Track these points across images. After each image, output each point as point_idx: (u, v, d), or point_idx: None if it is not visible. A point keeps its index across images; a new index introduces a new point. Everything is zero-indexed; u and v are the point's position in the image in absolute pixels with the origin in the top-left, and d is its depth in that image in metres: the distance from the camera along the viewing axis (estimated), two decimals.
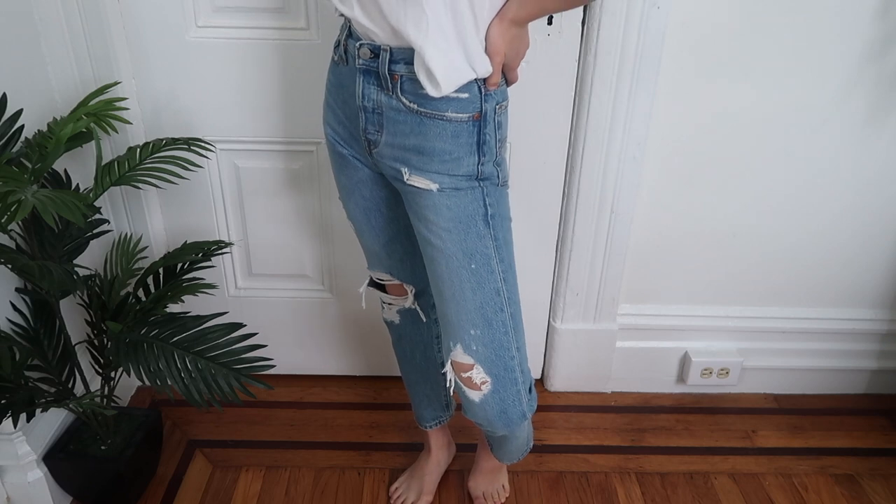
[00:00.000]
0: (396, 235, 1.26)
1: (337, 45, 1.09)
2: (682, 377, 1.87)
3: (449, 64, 0.96)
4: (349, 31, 1.04)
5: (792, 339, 1.83)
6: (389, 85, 1.01)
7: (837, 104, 1.55)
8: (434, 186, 1.05)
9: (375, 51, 0.99)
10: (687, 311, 1.81)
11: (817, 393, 1.90)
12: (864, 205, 1.67)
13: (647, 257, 1.74)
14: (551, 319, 1.82)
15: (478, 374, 1.11)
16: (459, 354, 1.12)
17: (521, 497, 1.57)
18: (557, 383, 1.88)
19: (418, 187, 1.06)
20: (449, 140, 1.02)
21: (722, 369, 1.82)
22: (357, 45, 1.01)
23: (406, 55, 0.98)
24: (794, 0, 1.43)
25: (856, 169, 1.62)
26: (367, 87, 1.03)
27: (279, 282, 1.79)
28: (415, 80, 0.98)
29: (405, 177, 1.07)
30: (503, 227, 1.09)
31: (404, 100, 1.01)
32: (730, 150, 1.60)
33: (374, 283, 1.38)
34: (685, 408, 1.85)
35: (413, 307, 1.36)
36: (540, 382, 1.93)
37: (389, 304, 1.38)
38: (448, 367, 1.15)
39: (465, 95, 0.99)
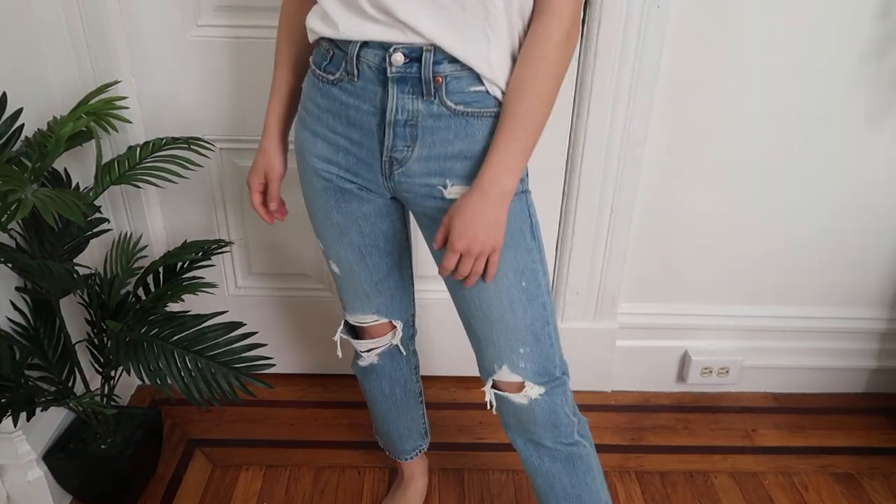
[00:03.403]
0: (390, 271, 1.18)
1: (329, 62, 0.98)
2: (682, 376, 1.87)
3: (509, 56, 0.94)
4: (359, 42, 0.94)
5: (792, 337, 1.83)
6: (432, 89, 0.92)
7: (837, 104, 1.55)
8: None
9: (413, 54, 0.91)
10: (687, 310, 1.81)
11: (817, 392, 1.90)
12: (863, 204, 1.67)
13: (647, 256, 1.74)
14: None
15: (530, 389, 1.07)
16: (506, 374, 1.07)
17: (521, 496, 1.57)
18: None
19: None
20: None
21: (722, 368, 1.82)
22: (389, 51, 0.91)
23: (450, 53, 0.91)
24: (794, 0, 1.44)
25: (856, 168, 1.62)
26: (402, 98, 0.93)
27: (279, 281, 1.79)
28: (461, 78, 0.92)
29: (445, 191, 0.98)
30: (540, 235, 1.04)
31: (449, 102, 0.93)
32: (729, 149, 1.60)
33: (349, 330, 1.29)
34: (685, 407, 1.85)
35: (396, 344, 1.29)
36: None
37: (370, 349, 1.29)
38: (488, 389, 1.11)
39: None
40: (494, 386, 1.11)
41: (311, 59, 1.04)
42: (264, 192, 1.19)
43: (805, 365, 1.86)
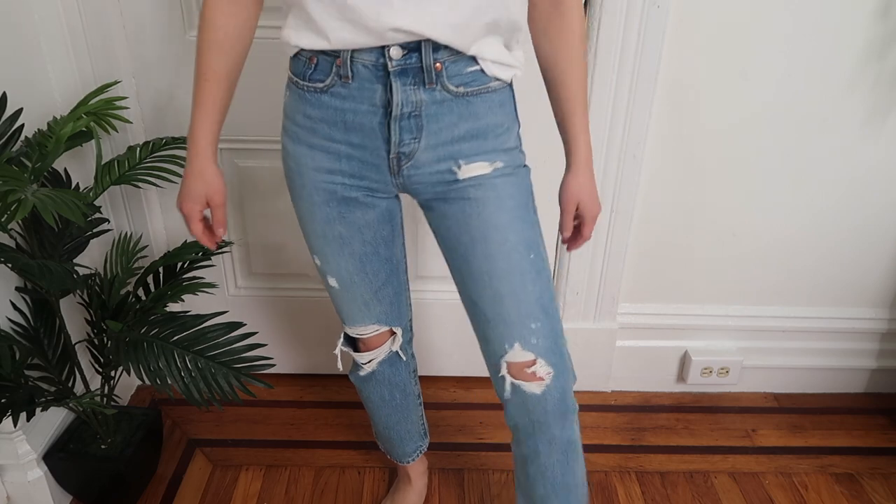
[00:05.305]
0: (389, 277, 1.18)
1: (314, 71, 0.98)
2: (682, 376, 1.87)
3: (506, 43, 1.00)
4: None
5: (792, 338, 1.83)
6: (433, 76, 0.95)
7: (837, 103, 1.55)
8: (498, 164, 1.01)
9: (410, 45, 0.93)
10: (687, 310, 1.81)
11: (817, 392, 1.90)
12: (863, 204, 1.67)
13: (647, 256, 1.74)
14: None
15: (541, 368, 1.05)
16: (518, 353, 1.05)
17: None
18: None
19: (478, 175, 1.01)
20: (498, 111, 1.01)
21: (722, 368, 1.82)
22: (388, 48, 0.92)
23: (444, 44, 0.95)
24: (794, 0, 1.44)
25: (855, 168, 1.62)
26: (405, 90, 0.94)
27: (279, 281, 1.79)
28: (458, 62, 0.95)
29: (459, 171, 1.01)
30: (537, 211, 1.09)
31: (450, 86, 0.96)
32: (729, 149, 1.60)
33: (350, 343, 1.28)
34: (685, 407, 1.85)
35: (396, 350, 1.29)
36: None
37: (370, 360, 1.28)
38: (504, 373, 1.08)
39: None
40: (509, 368, 1.08)
41: (289, 71, 1.03)
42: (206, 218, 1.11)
43: (805, 365, 1.86)
